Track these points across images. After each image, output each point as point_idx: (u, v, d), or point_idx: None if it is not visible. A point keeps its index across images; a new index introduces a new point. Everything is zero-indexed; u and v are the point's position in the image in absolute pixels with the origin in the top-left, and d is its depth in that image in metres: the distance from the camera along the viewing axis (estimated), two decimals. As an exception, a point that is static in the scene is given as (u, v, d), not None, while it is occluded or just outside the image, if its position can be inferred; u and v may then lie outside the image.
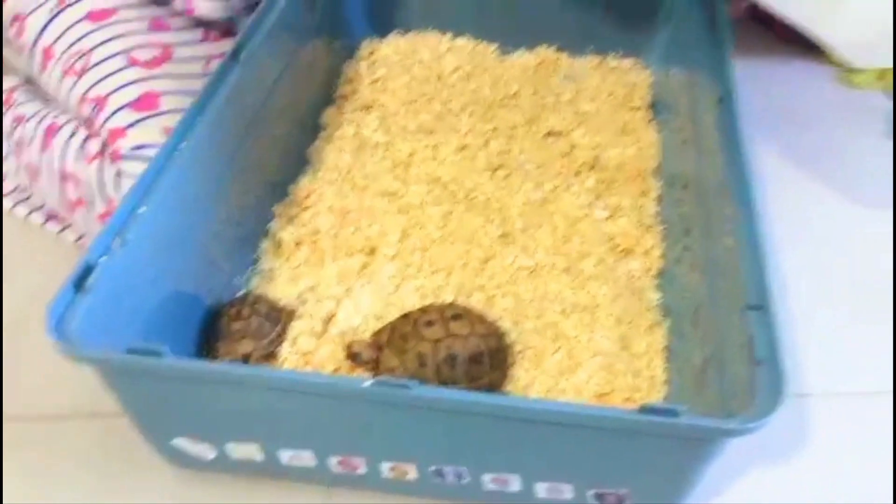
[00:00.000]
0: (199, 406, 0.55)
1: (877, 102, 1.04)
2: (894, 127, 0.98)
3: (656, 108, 0.98)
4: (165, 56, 0.83)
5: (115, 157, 0.76)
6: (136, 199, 0.61)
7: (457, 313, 0.66)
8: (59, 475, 0.65)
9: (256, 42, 0.79)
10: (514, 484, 0.55)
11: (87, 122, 0.79)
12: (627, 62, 1.06)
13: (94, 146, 0.78)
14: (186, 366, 0.51)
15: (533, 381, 0.68)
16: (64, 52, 0.82)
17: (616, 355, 0.70)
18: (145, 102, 0.78)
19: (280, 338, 0.70)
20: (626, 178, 0.88)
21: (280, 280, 0.76)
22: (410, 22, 1.10)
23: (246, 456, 0.58)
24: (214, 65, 0.85)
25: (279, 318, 0.70)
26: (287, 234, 0.80)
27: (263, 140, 0.82)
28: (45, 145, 0.81)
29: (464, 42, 1.09)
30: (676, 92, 0.93)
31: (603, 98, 0.99)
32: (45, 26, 0.83)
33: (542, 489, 0.55)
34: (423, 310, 0.68)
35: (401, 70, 1.04)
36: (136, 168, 0.74)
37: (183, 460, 0.60)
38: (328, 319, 0.72)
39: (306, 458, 0.57)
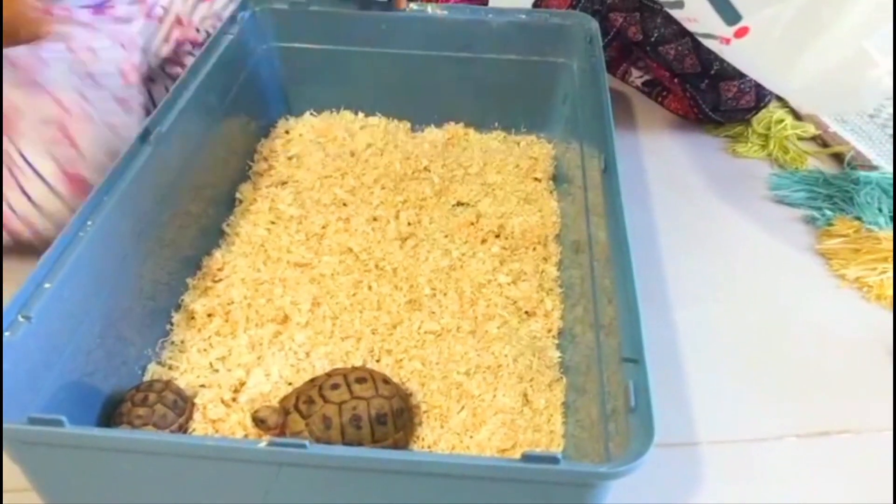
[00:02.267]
0: (100, 475, 0.55)
1: (758, 170, 1.12)
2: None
3: (557, 179, 1.04)
4: None
5: None
6: (42, 275, 0.62)
7: (361, 376, 0.69)
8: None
9: (167, 124, 0.82)
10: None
11: None
12: (531, 137, 1.13)
13: None
14: (86, 434, 0.52)
15: (438, 439, 0.71)
16: None
17: (518, 412, 0.73)
18: None
19: (182, 428, 0.70)
20: (529, 245, 0.93)
21: (191, 351, 0.78)
22: (324, 102, 1.15)
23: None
24: None
25: (184, 408, 0.70)
26: (199, 306, 0.82)
27: (177, 216, 0.85)
28: None
29: (376, 120, 1.14)
30: (573, 164, 0.98)
31: (509, 170, 1.05)
32: None
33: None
34: (329, 374, 0.70)
35: (315, 147, 1.08)
36: None
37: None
38: (238, 388, 0.74)
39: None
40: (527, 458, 0.50)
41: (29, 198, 0.84)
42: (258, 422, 0.67)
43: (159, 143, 0.80)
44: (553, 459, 0.50)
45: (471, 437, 0.71)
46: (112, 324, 0.72)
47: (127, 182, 0.74)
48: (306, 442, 0.50)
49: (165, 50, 1.04)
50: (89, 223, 0.69)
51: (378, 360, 0.78)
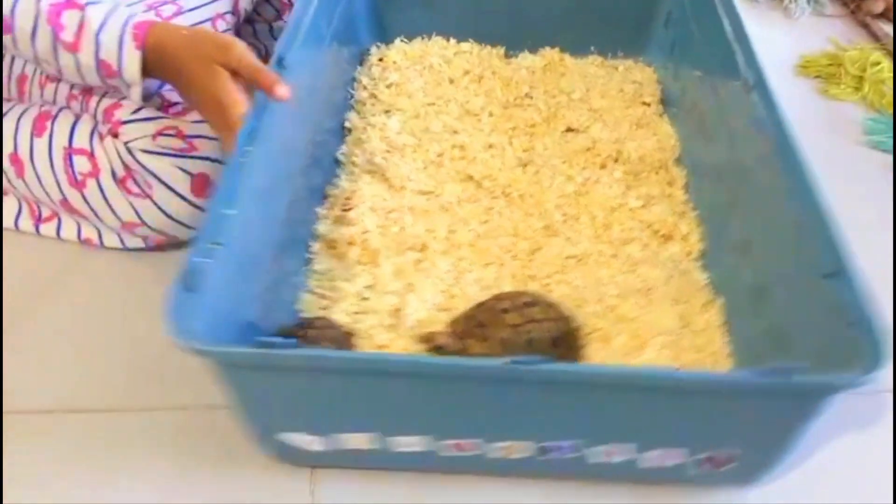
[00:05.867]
0: (314, 398, 0.55)
1: (851, 114, 1.09)
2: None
3: (666, 103, 1.02)
4: None
5: (115, 128, 0.78)
6: (224, 201, 0.61)
7: (531, 300, 0.68)
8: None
9: (296, 49, 0.79)
10: (627, 453, 0.57)
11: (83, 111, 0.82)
12: (628, 62, 1.11)
13: (103, 128, 0.80)
14: (320, 356, 0.52)
15: (603, 361, 0.71)
16: (35, 70, 0.85)
17: (678, 333, 0.73)
18: None
19: None
20: (651, 169, 0.92)
21: (338, 280, 0.77)
22: (414, 28, 1.12)
23: (356, 446, 0.58)
24: None
25: (344, 346, 0.69)
26: (337, 235, 0.81)
27: (306, 144, 0.84)
28: (37, 132, 0.82)
29: (468, 46, 1.12)
30: (687, 86, 0.97)
31: (613, 95, 1.03)
32: (13, 58, 0.87)
33: (653, 456, 0.57)
34: (497, 298, 0.70)
35: (413, 75, 1.06)
36: (137, 131, 0.78)
37: (285, 454, 0.61)
38: (394, 314, 0.74)
39: (417, 444, 0.58)
40: (766, 372, 0.50)
41: (160, 209, 0.81)
42: (436, 348, 0.67)
43: (290, 69, 0.78)
44: (789, 372, 0.50)
45: (635, 358, 0.71)
46: (276, 252, 0.71)
47: (273, 108, 0.72)
48: (544, 358, 0.50)
49: None
50: (249, 149, 0.67)
51: (524, 286, 0.78)
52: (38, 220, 0.87)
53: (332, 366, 0.52)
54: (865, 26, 1.25)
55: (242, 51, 0.75)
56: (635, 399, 0.54)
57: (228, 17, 0.95)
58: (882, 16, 1.26)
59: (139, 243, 0.85)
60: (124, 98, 0.80)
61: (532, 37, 1.12)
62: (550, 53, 1.11)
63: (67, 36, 0.75)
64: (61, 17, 0.75)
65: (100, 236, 0.85)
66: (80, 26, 0.75)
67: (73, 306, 0.79)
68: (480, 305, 0.70)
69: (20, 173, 0.84)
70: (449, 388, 0.54)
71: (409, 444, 0.58)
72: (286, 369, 0.52)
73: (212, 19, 0.90)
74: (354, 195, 0.86)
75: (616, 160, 0.93)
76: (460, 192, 0.88)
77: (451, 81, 1.05)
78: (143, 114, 0.79)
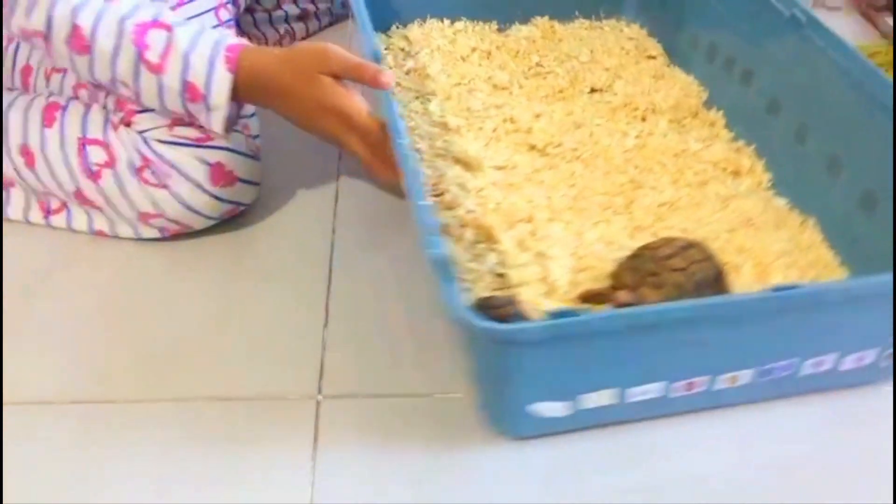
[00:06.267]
0: (578, 363, 0.57)
1: None
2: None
3: (670, 54, 1.09)
4: None
5: (129, 117, 0.78)
6: (417, 194, 0.62)
7: (685, 243, 0.72)
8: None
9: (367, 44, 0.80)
10: (829, 363, 0.63)
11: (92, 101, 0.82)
12: (611, 21, 1.16)
13: (115, 117, 0.79)
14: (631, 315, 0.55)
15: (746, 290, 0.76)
16: (40, 61, 0.84)
17: (792, 254, 0.79)
18: None
19: None
20: (689, 115, 0.98)
21: (465, 262, 0.78)
22: (406, 14, 1.13)
23: (595, 404, 0.61)
24: None
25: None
26: (447, 218, 0.81)
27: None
28: (47, 123, 0.81)
29: (462, 25, 1.14)
30: (698, 36, 1.04)
31: (617, 53, 1.09)
32: (16, 50, 0.86)
33: (850, 360, 0.63)
34: (649, 247, 0.73)
35: (426, 59, 1.06)
36: (151, 121, 0.78)
37: (521, 427, 0.62)
38: (543, 282, 0.75)
39: (653, 391, 0.61)
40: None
41: (178, 199, 0.79)
42: (621, 306, 0.69)
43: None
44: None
45: (769, 282, 0.76)
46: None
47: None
48: (800, 285, 0.55)
49: None
50: (402, 142, 0.67)
51: (632, 238, 0.82)
52: (48, 212, 0.85)
53: (647, 321, 0.55)
54: (869, 19, 1.28)
55: (339, 52, 0.75)
56: (840, 313, 0.60)
57: (230, 6, 0.92)
58: (885, 8, 1.27)
59: (154, 233, 0.84)
60: None
61: (519, 8, 1.15)
62: (541, 22, 1.15)
63: (153, 56, 0.71)
64: (146, 36, 0.71)
65: (112, 227, 0.84)
66: (168, 47, 0.71)
67: (84, 297, 0.79)
68: (636, 257, 0.73)
69: (31, 164, 0.82)
70: (696, 330, 0.58)
71: (645, 392, 0.61)
72: (593, 335, 0.54)
73: (214, 9, 0.87)
74: (441, 179, 0.87)
75: (653, 111, 0.99)
76: (531, 161, 0.90)
77: (464, 60, 1.07)
78: None
